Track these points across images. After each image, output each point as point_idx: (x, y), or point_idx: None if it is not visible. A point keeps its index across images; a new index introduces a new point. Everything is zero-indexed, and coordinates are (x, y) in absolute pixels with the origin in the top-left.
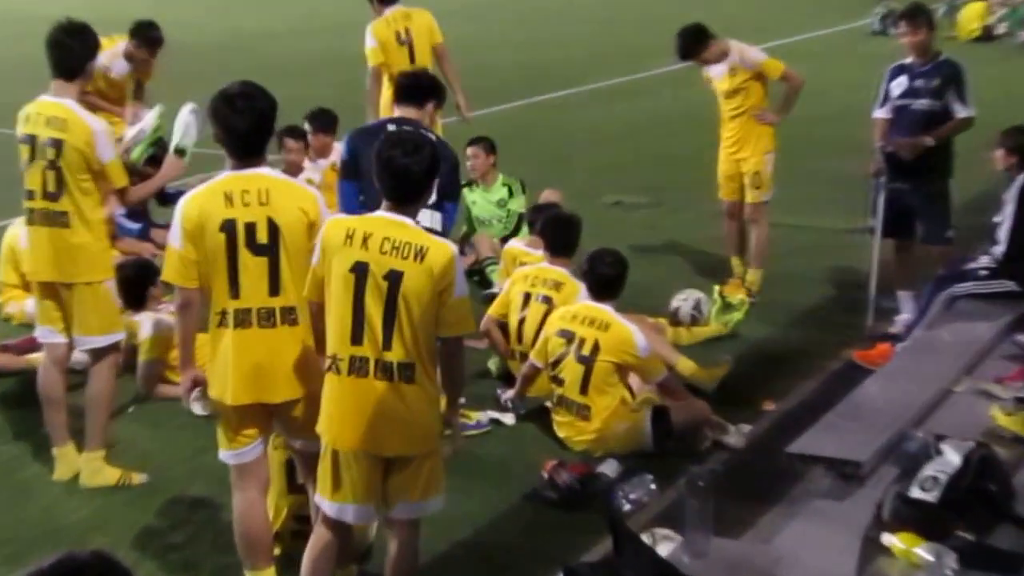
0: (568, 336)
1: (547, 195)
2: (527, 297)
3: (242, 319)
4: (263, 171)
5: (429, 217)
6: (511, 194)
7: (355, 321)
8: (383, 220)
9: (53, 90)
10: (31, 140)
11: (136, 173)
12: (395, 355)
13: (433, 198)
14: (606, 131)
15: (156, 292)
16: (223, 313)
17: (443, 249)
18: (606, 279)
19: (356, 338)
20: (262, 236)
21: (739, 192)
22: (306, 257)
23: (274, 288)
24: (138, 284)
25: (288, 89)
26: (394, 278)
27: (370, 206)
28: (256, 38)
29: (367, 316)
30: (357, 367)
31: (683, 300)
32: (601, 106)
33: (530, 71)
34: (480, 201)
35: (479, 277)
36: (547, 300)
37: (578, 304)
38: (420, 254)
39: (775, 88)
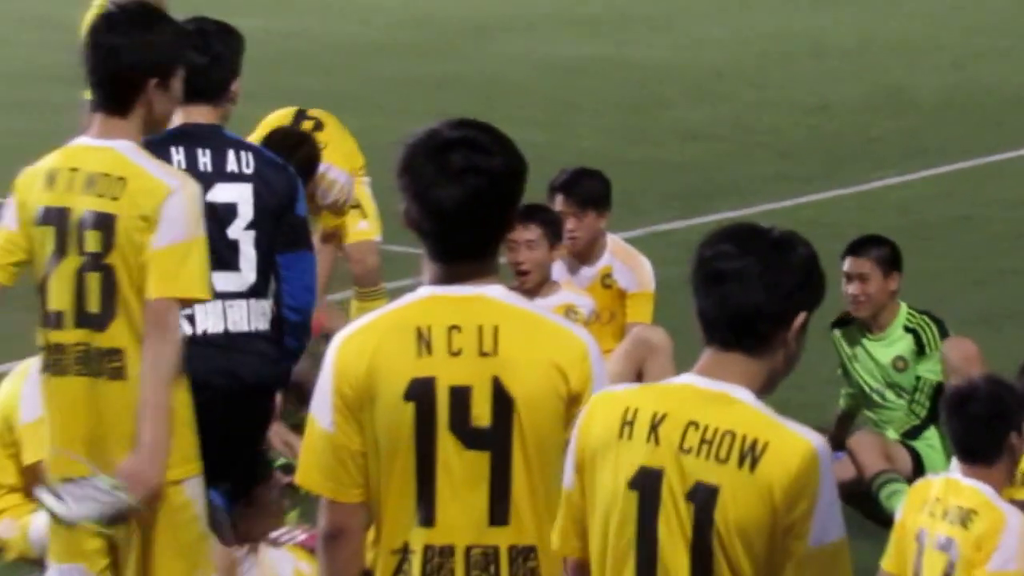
0: None
1: (956, 350)
2: (921, 538)
3: (439, 565)
4: (491, 291)
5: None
6: (921, 348)
7: (640, 570)
8: (689, 390)
9: (96, 128)
10: (58, 218)
11: None
12: None
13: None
14: None
15: (270, 501)
16: (404, 552)
17: (797, 445)
18: (975, 431)
19: None
20: (481, 413)
21: None
22: (558, 456)
23: (499, 512)
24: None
25: (526, 132)
26: (702, 498)
27: None
28: (462, 32)
29: (661, 563)
30: None
31: None
32: None
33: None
34: (864, 358)
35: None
36: (945, 546)
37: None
38: (751, 454)
39: None
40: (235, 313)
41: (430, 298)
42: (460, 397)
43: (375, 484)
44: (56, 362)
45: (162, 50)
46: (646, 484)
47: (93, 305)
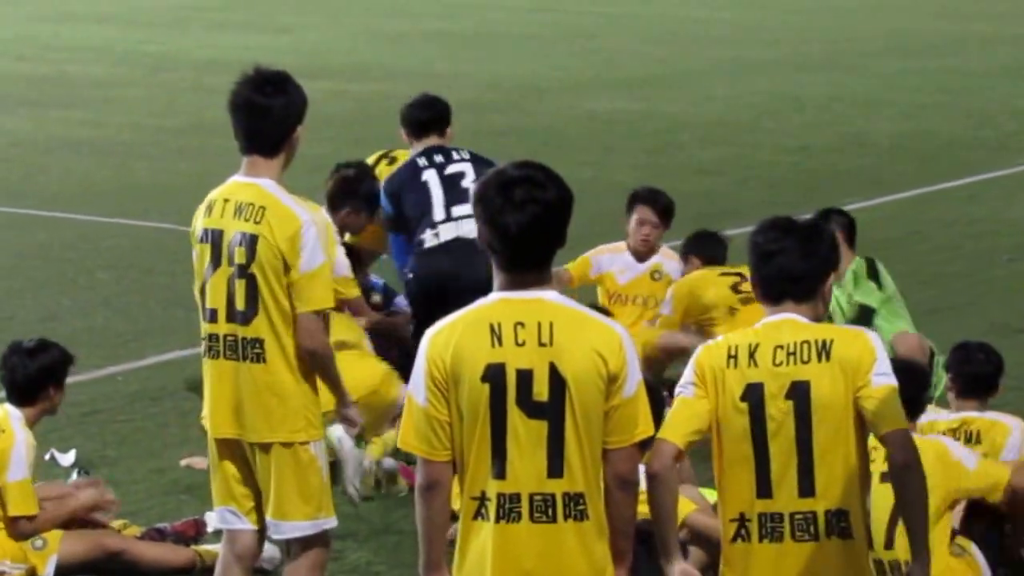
0: None
1: (902, 344)
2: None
3: (509, 509)
4: (547, 295)
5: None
6: (856, 280)
7: (759, 467)
8: (767, 325)
9: (245, 168)
10: (214, 237)
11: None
12: (822, 502)
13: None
14: None
15: None
16: (481, 498)
17: (852, 334)
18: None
19: (764, 490)
20: (541, 391)
21: None
22: (599, 421)
23: (555, 466)
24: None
25: (574, 170)
26: (799, 393)
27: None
28: (523, 92)
29: (772, 458)
30: (770, 529)
31: None
32: None
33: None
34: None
35: None
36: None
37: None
38: (824, 349)
39: None
40: (465, 226)
41: (499, 301)
42: (524, 378)
43: (459, 446)
44: (212, 348)
45: (301, 107)
46: (753, 395)
47: (240, 304)
